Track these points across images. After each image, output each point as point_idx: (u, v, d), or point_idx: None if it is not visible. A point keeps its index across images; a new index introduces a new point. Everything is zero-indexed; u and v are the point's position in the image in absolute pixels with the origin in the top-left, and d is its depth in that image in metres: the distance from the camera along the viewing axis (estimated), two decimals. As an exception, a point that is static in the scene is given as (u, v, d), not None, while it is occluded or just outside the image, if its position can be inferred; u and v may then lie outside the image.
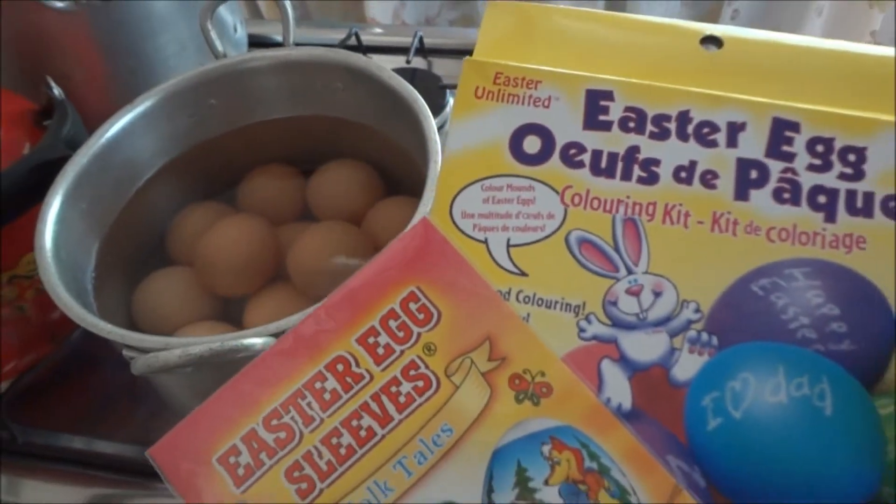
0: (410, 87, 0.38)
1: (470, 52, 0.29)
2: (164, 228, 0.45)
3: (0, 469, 0.44)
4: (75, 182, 0.38)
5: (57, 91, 0.42)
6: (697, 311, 0.24)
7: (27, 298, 0.43)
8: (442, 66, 0.58)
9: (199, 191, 0.46)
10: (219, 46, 0.43)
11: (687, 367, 0.24)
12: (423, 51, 0.61)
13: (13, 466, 0.44)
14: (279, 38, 0.44)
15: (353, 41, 0.63)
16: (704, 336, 0.24)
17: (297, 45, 0.43)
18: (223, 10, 0.55)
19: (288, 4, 0.42)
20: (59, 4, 0.46)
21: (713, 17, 1.17)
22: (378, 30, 0.70)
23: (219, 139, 0.45)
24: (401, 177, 0.43)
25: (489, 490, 0.23)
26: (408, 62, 0.59)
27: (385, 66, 0.40)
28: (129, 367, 0.31)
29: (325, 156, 0.45)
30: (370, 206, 0.43)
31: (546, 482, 0.23)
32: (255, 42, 0.62)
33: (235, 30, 0.58)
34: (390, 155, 0.43)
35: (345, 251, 0.39)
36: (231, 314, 0.41)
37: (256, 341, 0.29)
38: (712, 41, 0.28)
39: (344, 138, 0.45)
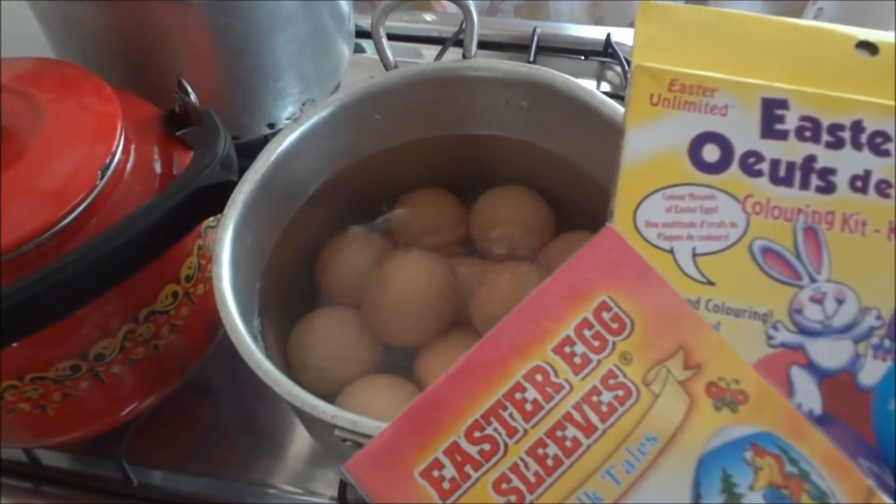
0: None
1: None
2: (310, 261, 0.41)
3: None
4: (244, 213, 0.35)
5: (194, 97, 0.38)
6: (879, 317, 0.25)
7: (162, 335, 0.39)
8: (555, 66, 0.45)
9: (349, 217, 0.42)
10: (390, 55, 0.39)
11: (872, 372, 0.25)
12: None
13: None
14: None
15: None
16: (887, 343, 0.25)
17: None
18: (343, 2, 0.51)
19: (472, 6, 0.39)
20: None
21: (796, 15, 1.15)
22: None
23: (375, 158, 0.41)
24: (578, 207, 0.40)
25: (697, 496, 0.23)
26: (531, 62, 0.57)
27: (593, 89, 0.37)
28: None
29: (486, 180, 0.43)
30: (545, 241, 0.41)
31: (751, 488, 0.24)
32: (361, 32, 0.58)
33: (349, 21, 0.54)
34: (570, 183, 0.40)
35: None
36: (395, 360, 0.39)
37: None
38: (867, 46, 0.28)
39: (513, 162, 0.42)
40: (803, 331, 0.25)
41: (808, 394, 0.25)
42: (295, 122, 0.38)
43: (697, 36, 0.29)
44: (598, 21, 0.79)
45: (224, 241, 0.33)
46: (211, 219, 0.40)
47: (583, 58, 0.63)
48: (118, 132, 0.36)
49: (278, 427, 0.45)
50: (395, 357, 0.39)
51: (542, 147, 0.41)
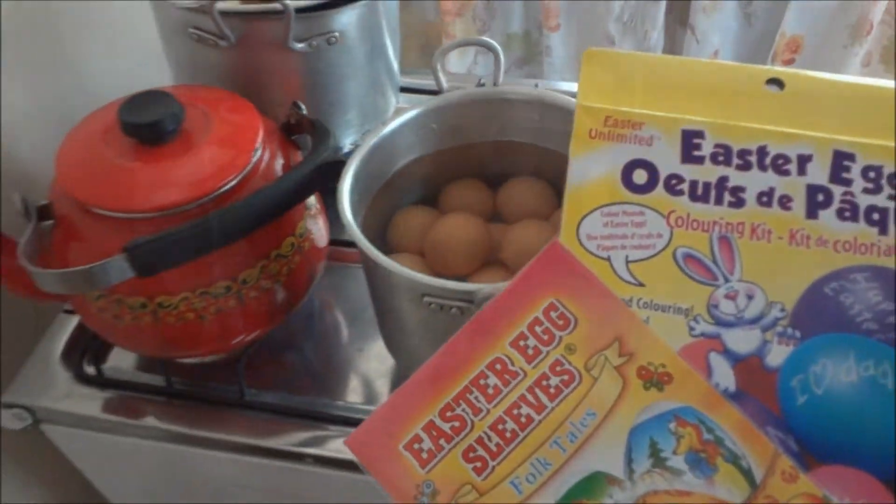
0: None
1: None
2: (385, 223, 0.56)
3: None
4: (352, 180, 0.48)
5: (305, 111, 0.54)
6: (783, 310, 0.30)
7: (282, 274, 0.52)
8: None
9: (410, 197, 0.58)
10: (444, 83, 0.53)
11: (778, 355, 0.30)
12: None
13: (242, 417, 0.57)
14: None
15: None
16: (789, 331, 0.30)
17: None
18: (392, 57, 0.67)
19: (498, 46, 0.53)
20: (299, 46, 0.57)
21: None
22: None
23: (432, 156, 0.56)
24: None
25: (629, 461, 0.29)
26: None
27: None
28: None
29: (508, 173, 0.57)
30: (550, 213, 0.55)
31: (674, 452, 0.29)
32: (403, 88, 0.75)
33: (397, 76, 0.70)
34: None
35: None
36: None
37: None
38: (775, 82, 0.33)
39: (528, 160, 0.57)
40: (719, 322, 0.30)
41: (724, 375, 0.30)
42: (383, 124, 0.53)
43: (633, 77, 0.34)
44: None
45: (345, 184, 0.47)
46: (312, 197, 0.55)
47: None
48: (260, 132, 0.51)
49: (341, 375, 0.60)
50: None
51: (549, 148, 0.56)
